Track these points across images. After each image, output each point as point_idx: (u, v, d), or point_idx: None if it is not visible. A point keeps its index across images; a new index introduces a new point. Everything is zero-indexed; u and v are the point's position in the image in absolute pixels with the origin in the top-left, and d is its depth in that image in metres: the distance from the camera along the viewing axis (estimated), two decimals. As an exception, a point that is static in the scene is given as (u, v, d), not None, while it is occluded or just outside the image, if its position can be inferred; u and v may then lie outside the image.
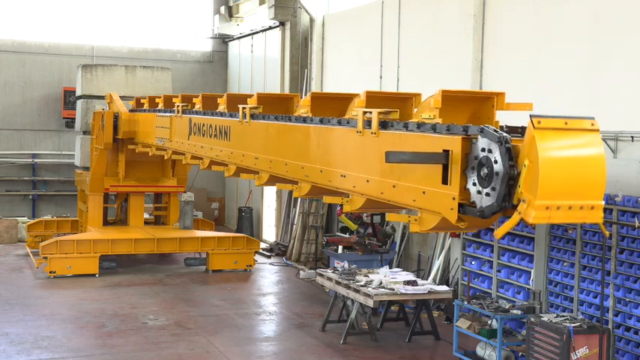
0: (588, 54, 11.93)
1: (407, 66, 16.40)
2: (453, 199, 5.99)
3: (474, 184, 5.80)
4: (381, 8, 17.32)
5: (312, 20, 20.49)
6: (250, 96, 10.30)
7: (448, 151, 6.04)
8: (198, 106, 12.42)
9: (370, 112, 7.21)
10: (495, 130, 5.57)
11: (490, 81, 14.00)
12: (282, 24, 21.38)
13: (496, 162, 5.51)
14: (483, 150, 5.68)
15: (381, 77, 17.20)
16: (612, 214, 10.70)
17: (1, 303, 14.77)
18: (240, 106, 10.36)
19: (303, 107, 8.69)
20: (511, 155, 5.40)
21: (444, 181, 6.10)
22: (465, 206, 5.92)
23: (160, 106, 15.01)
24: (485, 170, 5.65)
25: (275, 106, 10.14)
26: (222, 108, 11.19)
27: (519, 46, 13.38)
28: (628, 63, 11.24)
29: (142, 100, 17.05)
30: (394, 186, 6.85)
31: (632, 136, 10.93)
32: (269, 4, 21.35)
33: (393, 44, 16.77)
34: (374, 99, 7.59)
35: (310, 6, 20.30)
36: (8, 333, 12.75)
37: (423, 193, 6.40)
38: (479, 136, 5.75)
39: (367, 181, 7.33)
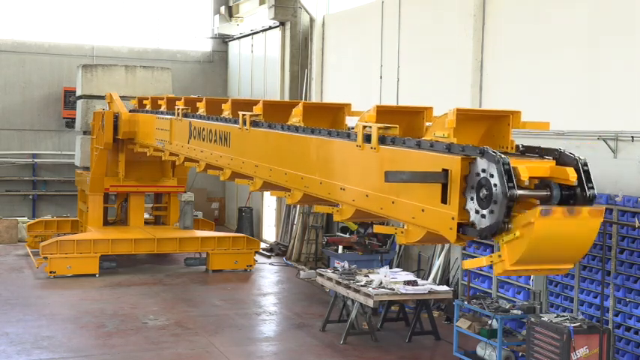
0: (588, 53, 11.93)
1: (407, 66, 16.40)
2: (452, 218, 5.97)
3: (474, 205, 5.81)
4: (381, 8, 17.32)
5: (312, 20, 20.50)
6: (293, 104, 9.49)
7: (447, 170, 6.02)
8: (227, 113, 11.34)
9: (370, 127, 7.17)
10: (495, 153, 5.59)
11: (490, 81, 14.00)
12: (282, 24, 21.38)
13: (495, 185, 5.54)
14: (484, 171, 5.68)
15: (381, 77, 17.20)
16: (612, 214, 10.70)
17: (1, 303, 14.77)
18: (241, 113, 10.21)
19: (367, 121, 7.60)
20: (511, 177, 5.45)
21: (444, 200, 6.08)
22: (464, 226, 5.92)
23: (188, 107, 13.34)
24: (484, 192, 5.66)
25: (321, 117, 9.24)
26: (257, 117, 10.26)
27: (519, 46, 13.38)
28: (628, 63, 11.23)
29: (160, 102, 15.78)
30: (393, 202, 6.83)
31: (632, 136, 10.93)
32: (269, 4, 21.35)
33: (393, 44, 16.77)
34: (384, 113, 7.37)
35: (310, 6, 20.30)
36: (8, 333, 12.75)
37: (422, 211, 6.38)
38: (478, 157, 5.75)
39: (367, 195, 7.29)
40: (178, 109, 13.18)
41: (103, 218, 19.48)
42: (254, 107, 10.17)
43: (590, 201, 5.52)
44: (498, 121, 6.55)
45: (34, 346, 12.12)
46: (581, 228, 5.57)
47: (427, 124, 7.53)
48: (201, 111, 12.37)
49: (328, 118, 9.33)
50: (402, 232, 6.95)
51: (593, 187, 5.53)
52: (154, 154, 15.86)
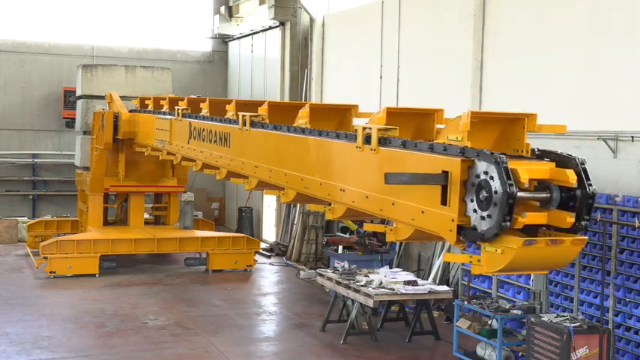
0: (588, 53, 11.92)
1: (407, 66, 16.39)
2: (452, 220, 5.97)
3: (474, 210, 5.81)
4: (381, 8, 17.32)
5: (312, 20, 20.49)
6: (298, 105, 9.35)
7: (447, 172, 6.00)
8: (231, 114, 11.01)
9: (370, 128, 7.15)
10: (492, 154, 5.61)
11: (490, 81, 14.00)
12: (282, 24, 21.38)
13: (495, 190, 5.55)
14: (485, 173, 5.67)
15: (381, 77, 17.20)
16: (612, 214, 10.70)
17: (1, 303, 14.76)
18: (241, 114, 10.16)
19: (377, 123, 7.35)
20: (512, 209, 5.50)
21: (443, 202, 6.07)
22: (465, 228, 5.92)
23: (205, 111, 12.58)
24: (484, 193, 5.65)
25: (328, 119, 9.01)
26: (261, 118, 10.03)
27: (519, 46, 13.37)
28: (628, 63, 11.23)
29: (162, 102, 15.12)
30: (393, 204, 6.81)
31: (632, 136, 10.93)
32: (269, 4, 21.35)
33: (393, 44, 16.77)
34: (394, 115, 7.27)
35: (310, 6, 20.30)
36: (8, 333, 12.74)
37: (422, 212, 6.37)
38: (477, 159, 5.75)
39: (366, 197, 7.28)
40: (178, 109, 13.16)
41: (103, 218, 19.48)
42: (259, 108, 10.01)
43: (579, 229, 5.68)
44: (513, 123, 6.44)
45: (34, 346, 12.11)
46: (561, 253, 5.76)
47: (438, 126, 7.44)
48: (205, 112, 12.24)
49: (335, 120, 9.19)
50: (390, 230, 7.04)
51: (588, 220, 5.62)
52: (151, 154, 15.87)
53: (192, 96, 14.38)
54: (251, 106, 10.66)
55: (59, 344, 12.24)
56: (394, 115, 7.37)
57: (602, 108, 11.61)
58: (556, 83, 12.52)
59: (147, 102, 17.17)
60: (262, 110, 9.97)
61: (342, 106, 9.50)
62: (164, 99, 15.26)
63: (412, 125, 7.49)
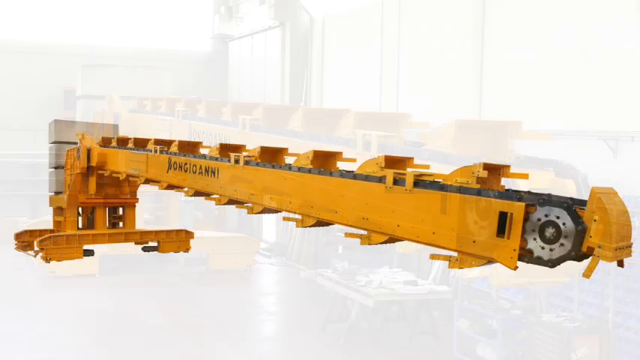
0: (589, 54, 11.93)
1: (407, 66, 16.40)
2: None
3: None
4: (381, 8, 17.32)
5: (312, 20, 20.50)
6: (338, 113, 8.79)
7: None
8: (259, 118, 10.30)
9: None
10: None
11: (490, 81, 14.00)
12: (282, 24, 21.39)
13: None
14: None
15: (381, 77, 17.20)
16: (612, 214, 10.68)
17: (1, 303, 14.76)
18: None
19: (442, 138, 6.91)
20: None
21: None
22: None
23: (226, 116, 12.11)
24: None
25: (375, 128, 8.31)
26: (296, 126, 9.51)
27: (520, 46, 13.38)
28: (628, 63, 11.24)
29: (177, 104, 14.77)
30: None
31: (632, 136, 10.94)
32: (269, 4, 21.36)
33: (393, 44, 16.77)
34: (464, 128, 6.80)
35: (310, 6, 20.31)
36: (8, 333, 12.74)
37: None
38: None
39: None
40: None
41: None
42: (292, 115, 9.60)
43: None
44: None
45: (34, 346, 12.11)
46: None
47: (513, 140, 7.09)
48: (226, 116, 11.76)
49: (380, 129, 8.57)
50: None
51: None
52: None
53: (193, 96, 14.36)
54: (280, 111, 10.22)
55: (59, 344, 12.24)
56: (464, 127, 6.89)
57: (602, 108, 11.61)
58: (557, 83, 12.52)
59: (160, 103, 17.01)
60: (296, 118, 9.56)
61: (391, 114, 9.15)
62: (179, 100, 15.01)
63: (483, 139, 7.07)
